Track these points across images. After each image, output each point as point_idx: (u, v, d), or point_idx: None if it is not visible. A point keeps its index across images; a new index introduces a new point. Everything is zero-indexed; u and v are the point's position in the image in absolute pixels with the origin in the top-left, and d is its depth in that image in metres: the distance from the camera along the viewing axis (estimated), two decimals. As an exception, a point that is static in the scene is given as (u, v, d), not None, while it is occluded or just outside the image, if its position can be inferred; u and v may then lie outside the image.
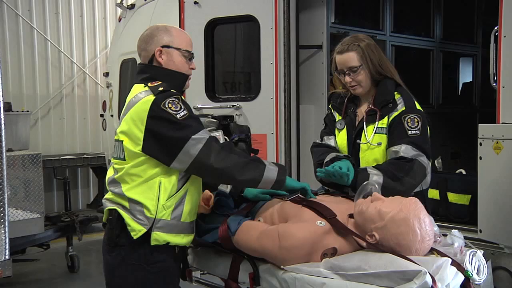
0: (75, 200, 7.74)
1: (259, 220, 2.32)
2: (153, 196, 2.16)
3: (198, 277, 2.56)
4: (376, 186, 2.32)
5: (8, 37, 7.48)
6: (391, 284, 1.85)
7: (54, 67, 7.91)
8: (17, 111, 6.01)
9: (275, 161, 4.13)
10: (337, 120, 2.71)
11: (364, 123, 2.57)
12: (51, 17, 7.87)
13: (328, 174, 2.38)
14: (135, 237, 2.16)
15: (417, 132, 2.45)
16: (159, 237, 2.18)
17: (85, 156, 7.01)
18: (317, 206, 2.21)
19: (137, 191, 2.18)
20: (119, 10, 6.50)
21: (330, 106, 2.81)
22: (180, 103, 2.14)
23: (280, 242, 2.07)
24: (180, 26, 4.51)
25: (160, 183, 2.17)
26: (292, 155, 4.23)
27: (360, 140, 2.58)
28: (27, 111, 6.46)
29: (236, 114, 4.29)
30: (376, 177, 2.38)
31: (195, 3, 4.44)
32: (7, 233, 4.00)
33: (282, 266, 2.09)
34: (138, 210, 2.17)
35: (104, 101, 6.38)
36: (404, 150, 2.44)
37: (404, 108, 2.51)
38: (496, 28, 3.19)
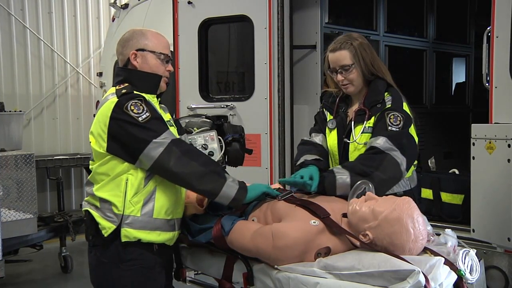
0: (68, 201, 7.69)
1: (252, 220, 2.32)
2: (120, 193, 2.19)
3: (192, 277, 2.56)
4: (370, 185, 2.33)
5: (0, 37, 7.43)
6: (384, 283, 1.85)
7: (47, 67, 7.86)
8: (10, 111, 5.98)
9: (269, 164, 4.17)
10: (328, 119, 2.72)
11: (353, 122, 2.58)
12: (44, 17, 7.82)
13: (288, 183, 2.40)
14: (105, 235, 2.19)
15: (397, 129, 2.44)
16: (128, 233, 2.19)
17: (79, 156, 6.97)
18: (311, 206, 2.21)
19: (106, 189, 2.21)
20: (113, 10, 6.48)
21: (322, 105, 2.82)
22: (143, 105, 2.16)
23: (273, 242, 2.07)
24: (174, 26, 4.51)
25: (127, 179, 2.19)
26: (286, 155, 4.23)
27: (349, 139, 2.59)
28: (20, 111, 6.42)
29: (230, 114, 4.29)
30: (342, 179, 2.37)
31: (189, 3, 4.43)
32: (0, 234, 3.98)
33: (276, 266, 2.09)
34: (107, 208, 2.20)
35: (98, 101, 6.35)
36: (379, 142, 2.43)
37: (390, 105, 2.51)
38: (488, 28, 3.20)
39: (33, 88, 7.75)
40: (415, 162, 2.63)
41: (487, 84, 3.26)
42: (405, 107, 2.55)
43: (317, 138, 2.74)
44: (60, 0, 7.97)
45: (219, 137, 2.97)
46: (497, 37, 3.12)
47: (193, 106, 4.41)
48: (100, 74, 6.32)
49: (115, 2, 6.21)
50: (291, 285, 2.02)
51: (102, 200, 2.22)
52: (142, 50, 2.30)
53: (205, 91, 4.53)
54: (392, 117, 2.46)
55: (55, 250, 5.59)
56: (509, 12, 3.05)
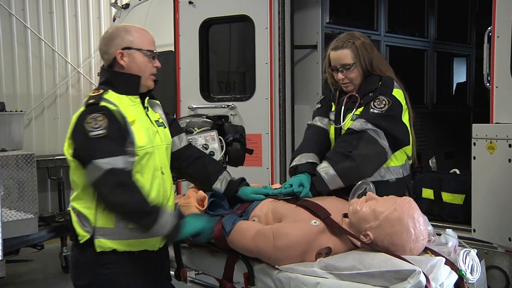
0: (69, 200, 7.71)
1: (253, 220, 2.32)
2: (92, 205, 2.14)
3: (193, 277, 2.56)
4: (371, 185, 2.33)
5: (1, 37, 7.43)
6: (385, 283, 1.85)
7: (48, 67, 7.86)
8: (11, 111, 5.98)
9: (270, 164, 4.17)
10: (332, 110, 2.72)
11: (343, 106, 2.60)
12: (45, 17, 7.82)
13: (280, 194, 2.41)
14: (81, 241, 2.16)
15: (379, 111, 2.44)
16: (102, 243, 2.14)
17: (79, 156, 6.97)
18: (312, 206, 2.21)
19: (79, 200, 2.18)
20: (114, 10, 6.48)
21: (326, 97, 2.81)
22: (102, 121, 2.06)
23: (274, 242, 2.07)
24: (174, 26, 4.51)
25: None
26: (287, 155, 4.23)
27: (338, 124, 2.60)
28: (21, 111, 6.42)
29: (231, 114, 4.28)
30: (327, 174, 2.40)
31: (190, 2, 4.43)
32: (0, 234, 3.99)
33: (276, 266, 2.09)
34: (82, 217, 2.16)
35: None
36: (355, 123, 2.46)
37: (378, 91, 2.52)
38: (489, 28, 3.20)
39: (34, 88, 7.75)
40: (408, 151, 2.62)
41: (488, 84, 3.25)
42: (396, 93, 2.53)
43: (322, 122, 2.72)
44: (61, 0, 7.97)
45: (220, 137, 2.97)
46: (498, 37, 3.12)
47: (194, 106, 4.41)
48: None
49: (116, 2, 6.21)
50: (292, 285, 2.02)
51: (74, 209, 2.19)
52: (129, 48, 2.22)
53: (206, 91, 4.53)
54: (377, 100, 2.48)
55: (56, 250, 5.59)
56: (510, 12, 3.05)
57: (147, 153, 2.19)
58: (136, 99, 2.25)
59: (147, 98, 2.33)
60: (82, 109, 2.14)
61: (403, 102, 2.54)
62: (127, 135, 2.12)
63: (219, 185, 2.53)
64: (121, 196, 2.04)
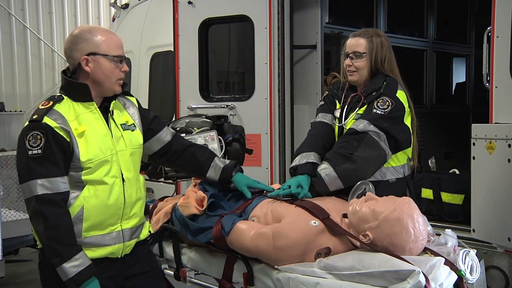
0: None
1: (253, 220, 2.32)
2: None
3: (192, 277, 2.56)
4: (371, 186, 2.33)
5: (0, 37, 7.45)
6: (384, 283, 1.85)
7: (47, 67, 7.88)
8: (10, 111, 5.99)
9: (269, 164, 4.17)
10: (337, 108, 2.73)
11: (346, 106, 2.62)
12: (44, 17, 7.83)
13: (278, 195, 2.41)
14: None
15: (382, 112, 2.45)
16: None
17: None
18: (311, 206, 2.21)
19: None
20: (113, 10, 6.48)
21: (329, 91, 2.82)
22: (42, 139, 2.02)
23: (274, 242, 2.07)
24: (174, 26, 4.51)
25: None
26: (287, 155, 4.23)
27: (340, 123, 2.62)
28: (20, 111, 6.44)
29: (230, 114, 4.28)
30: (328, 175, 2.40)
31: (189, 3, 4.43)
32: (0, 234, 3.98)
33: (276, 266, 2.09)
34: None
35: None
36: (357, 123, 2.47)
37: (381, 91, 2.53)
38: (489, 28, 3.20)
39: (34, 88, 7.76)
40: (409, 152, 2.62)
41: (487, 84, 3.26)
42: (400, 95, 2.54)
43: (326, 118, 2.73)
44: (61, 0, 7.98)
45: (219, 137, 2.98)
46: (497, 37, 3.12)
47: (193, 106, 4.40)
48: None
49: (115, 2, 6.21)
50: (291, 285, 2.02)
51: None
52: (94, 54, 2.12)
53: (206, 91, 4.53)
54: (380, 101, 2.49)
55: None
56: (509, 12, 3.05)
57: (103, 162, 2.12)
58: (91, 105, 2.16)
59: (114, 100, 2.24)
60: (25, 123, 2.10)
61: (406, 105, 2.55)
62: (69, 153, 2.07)
63: (213, 172, 2.52)
64: (38, 226, 2.06)
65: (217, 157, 2.56)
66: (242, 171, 2.57)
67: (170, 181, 3.25)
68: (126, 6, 5.90)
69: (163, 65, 5.12)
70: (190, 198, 2.51)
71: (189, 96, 4.47)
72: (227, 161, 2.58)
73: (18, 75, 7.57)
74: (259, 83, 4.24)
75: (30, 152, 2.02)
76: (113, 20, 6.18)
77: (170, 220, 2.61)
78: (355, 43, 2.61)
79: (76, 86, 2.16)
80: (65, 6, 7.96)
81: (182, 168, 2.63)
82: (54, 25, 7.86)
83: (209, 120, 3.09)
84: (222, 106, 4.35)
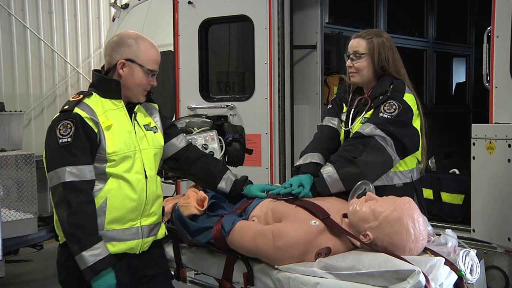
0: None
1: (253, 220, 2.32)
2: None
3: (192, 277, 2.56)
4: (371, 186, 2.33)
5: (0, 37, 7.44)
6: (385, 283, 1.85)
7: (47, 67, 7.87)
8: (10, 111, 5.99)
9: (269, 164, 4.17)
10: (344, 111, 2.73)
11: (353, 109, 2.61)
12: (44, 17, 7.82)
13: (278, 194, 2.41)
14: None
15: (389, 116, 2.43)
16: None
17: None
18: (311, 206, 2.21)
19: None
20: (113, 10, 6.48)
21: (336, 94, 2.83)
22: (72, 128, 2.09)
23: (274, 242, 2.07)
24: (174, 26, 4.51)
25: None
26: (287, 155, 4.23)
27: (347, 127, 2.62)
28: (20, 111, 6.43)
29: (230, 114, 4.29)
30: (330, 176, 2.39)
31: (189, 3, 4.43)
32: (0, 234, 3.98)
33: (276, 266, 2.09)
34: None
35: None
36: (363, 127, 2.45)
37: (388, 95, 2.52)
38: (489, 28, 3.20)
39: (34, 88, 7.75)
40: (418, 155, 2.60)
41: (487, 84, 3.26)
42: (407, 98, 2.51)
43: (332, 122, 2.73)
44: (61, 0, 7.97)
45: (219, 137, 2.98)
46: (497, 37, 3.12)
47: (193, 106, 4.41)
48: (100, 74, 6.30)
49: (115, 2, 6.21)
50: (292, 285, 2.02)
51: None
52: (132, 61, 2.24)
53: (206, 91, 4.54)
54: (387, 105, 2.47)
55: (55, 250, 5.57)
56: (509, 12, 3.05)
57: (126, 157, 2.19)
58: (119, 103, 2.25)
59: (138, 105, 2.34)
60: (56, 115, 2.17)
61: (414, 107, 2.52)
62: (96, 144, 2.14)
63: (224, 184, 2.54)
64: (62, 212, 2.08)
65: (229, 170, 2.60)
66: (252, 183, 2.59)
67: (170, 181, 3.25)
68: (126, 6, 5.91)
69: (163, 65, 5.12)
70: (191, 198, 2.52)
71: (189, 96, 4.47)
72: (239, 176, 2.60)
73: (18, 75, 7.57)
74: (259, 83, 4.25)
75: (60, 141, 2.08)
76: (113, 20, 6.19)
77: (170, 220, 2.61)
78: (356, 44, 2.61)
79: (108, 82, 2.26)
80: (65, 6, 7.95)
81: (194, 177, 2.66)
82: (54, 25, 7.85)
83: (209, 120, 3.08)
84: (222, 106, 4.35)
